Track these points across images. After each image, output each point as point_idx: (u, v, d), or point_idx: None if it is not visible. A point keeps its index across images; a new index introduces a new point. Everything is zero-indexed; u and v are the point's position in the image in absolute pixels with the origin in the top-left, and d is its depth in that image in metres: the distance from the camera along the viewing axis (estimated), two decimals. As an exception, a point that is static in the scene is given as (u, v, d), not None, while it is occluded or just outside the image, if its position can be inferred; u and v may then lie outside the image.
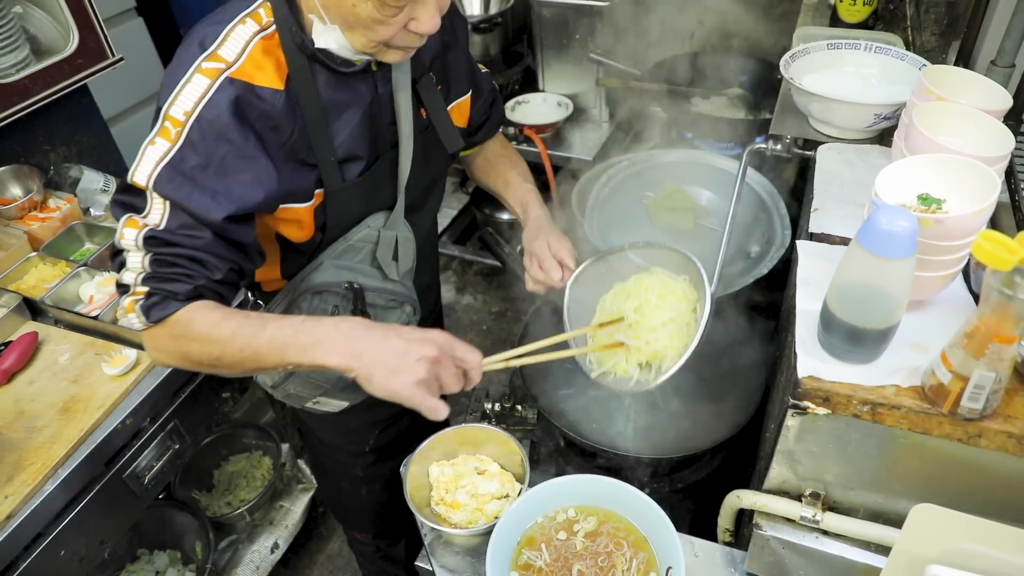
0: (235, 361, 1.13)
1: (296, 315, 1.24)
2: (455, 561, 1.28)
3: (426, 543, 1.31)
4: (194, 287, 1.13)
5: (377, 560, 2.23)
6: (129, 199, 1.14)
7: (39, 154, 2.22)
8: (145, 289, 1.13)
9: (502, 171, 1.67)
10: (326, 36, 1.12)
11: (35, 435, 1.56)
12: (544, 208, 1.57)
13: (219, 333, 1.12)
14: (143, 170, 1.10)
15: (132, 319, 1.15)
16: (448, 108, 1.45)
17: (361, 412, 1.63)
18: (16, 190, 2.12)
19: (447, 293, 3.51)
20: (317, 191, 1.26)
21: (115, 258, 1.17)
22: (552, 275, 1.43)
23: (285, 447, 2.51)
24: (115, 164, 2.46)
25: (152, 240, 1.12)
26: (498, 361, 1.21)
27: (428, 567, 1.31)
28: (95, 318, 1.77)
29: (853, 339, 0.98)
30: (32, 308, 1.86)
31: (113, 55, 2.20)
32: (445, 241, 3.55)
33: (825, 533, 1.12)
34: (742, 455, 1.60)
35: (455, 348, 1.12)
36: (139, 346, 1.73)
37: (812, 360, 1.01)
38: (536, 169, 2.50)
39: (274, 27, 1.15)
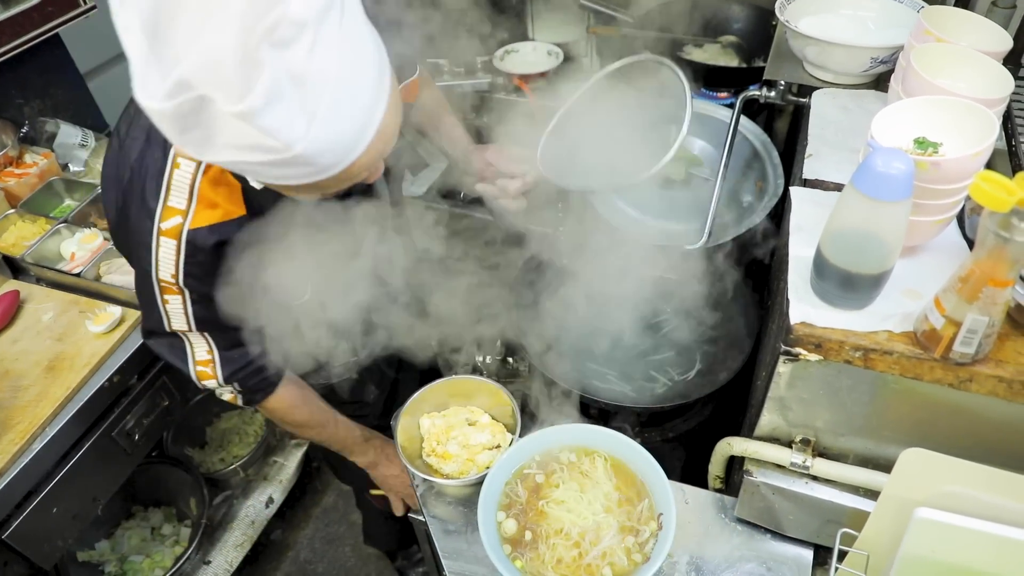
0: (315, 440, 1.59)
1: (356, 425, 1.60)
2: (447, 511, 1.29)
3: (418, 494, 1.31)
4: (272, 377, 1.36)
5: (383, 515, 2.24)
6: (169, 341, 1.26)
7: (12, 108, 2.16)
8: (240, 394, 1.36)
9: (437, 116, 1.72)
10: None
11: (21, 394, 1.55)
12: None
13: (314, 421, 1.50)
14: (179, 322, 1.20)
15: (234, 402, 1.39)
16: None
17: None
18: (-9, 145, 2.07)
19: (438, 247, 3.48)
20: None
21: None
22: (509, 188, 1.58)
23: (277, 403, 2.51)
24: (93, 118, 2.40)
25: (230, 377, 1.30)
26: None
27: (421, 518, 1.31)
28: (78, 275, 1.75)
29: (846, 285, 0.96)
30: (12, 266, 1.83)
31: (85, 3, 2.12)
32: (434, 195, 3.50)
33: (815, 479, 1.13)
34: (733, 404, 1.61)
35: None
36: (124, 303, 1.71)
37: (804, 306, 1.00)
38: (527, 119, 2.46)
39: None
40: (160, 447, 2.36)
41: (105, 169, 1.16)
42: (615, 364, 1.70)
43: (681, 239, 1.66)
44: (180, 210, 1.07)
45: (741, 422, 1.44)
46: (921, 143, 0.99)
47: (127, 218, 1.10)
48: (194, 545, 2.14)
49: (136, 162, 1.08)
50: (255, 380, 1.33)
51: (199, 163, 1.07)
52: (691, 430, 1.66)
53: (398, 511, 1.77)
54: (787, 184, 1.77)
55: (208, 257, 1.10)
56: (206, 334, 1.24)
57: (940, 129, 1.00)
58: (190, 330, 1.21)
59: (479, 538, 1.09)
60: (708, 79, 2.24)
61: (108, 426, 1.64)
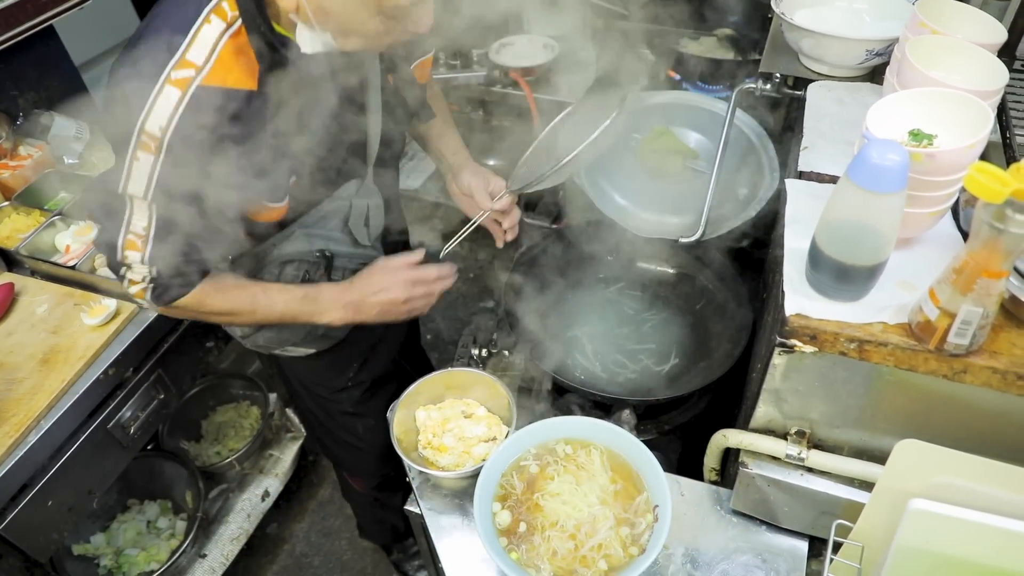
0: (253, 323, 1.45)
1: (292, 285, 1.39)
2: (443, 503, 1.29)
3: (414, 487, 1.31)
4: (195, 273, 1.25)
5: (374, 509, 2.25)
6: (110, 202, 1.16)
7: (6, 100, 2.15)
8: (150, 285, 1.22)
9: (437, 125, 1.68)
10: (314, 41, 1.07)
11: (15, 387, 1.54)
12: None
13: (240, 311, 1.33)
14: (137, 185, 1.12)
15: (141, 301, 1.26)
16: (411, 67, 1.43)
17: (333, 352, 1.65)
18: (-16, 137, 2.06)
19: (433, 241, 3.48)
20: (291, 180, 1.27)
21: (108, 255, 1.21)
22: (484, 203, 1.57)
23: (273, 396, 2.50)
24: (88, 110, 2.39)
25: (156, 259, 1.19)
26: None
27: (417, 510, 1.31)
28: (73, 268, 1.74)
29: (841, 276, 0.97)
30: (7, 259, 1.83)
31: (79, -6, 2.11)
32: (429, 188, 3.49)
33: (810, 470, 1.14)
34: (729, 396, 1.62)
35: (421, 278, 1.42)
36: (119, 296, 1.70)
37: (800, 298, 1.00)
38: (522, 113, 2.46)
39: (240, 22, 1.09)
40: (156, 440, 2.36)
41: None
42: (611, 357, 1.71)
43: (677, 232, 1.67)
44: (196, 64, 1.06)
45: (737, 414, 1.45)
46: (916, 135, 0.99)
47: (137, 58, 1.08)
48: (190, 538, 2.14)
49: (167, 8, 1.09)
50: (174, 274, 1.22)
51: (228, 25, 1.08)
52: (687, 422, 1.67)
53: (428, 276, 1.44)
54: (783, 177, 1.77)
55: (207, 119, 1.08)
56: (154, 207, 1.15)
57: (935, 121, 1.00)
58: (144, 198, 1.13)
59: (475, 530, 1.10)
60: (704, 72, 2.24)
61: (103, 419, 1.63)
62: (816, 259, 0.98)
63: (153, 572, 2.09)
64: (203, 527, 2.28)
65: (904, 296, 1.00)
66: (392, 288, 1.40)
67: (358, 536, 2.46)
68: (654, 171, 1.90)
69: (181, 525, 2.27)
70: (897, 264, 1.01)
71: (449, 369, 1.36)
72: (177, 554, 2.10)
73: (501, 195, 1.54)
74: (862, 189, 0.87)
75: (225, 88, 1.08)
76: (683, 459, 1.69)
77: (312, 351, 1.61)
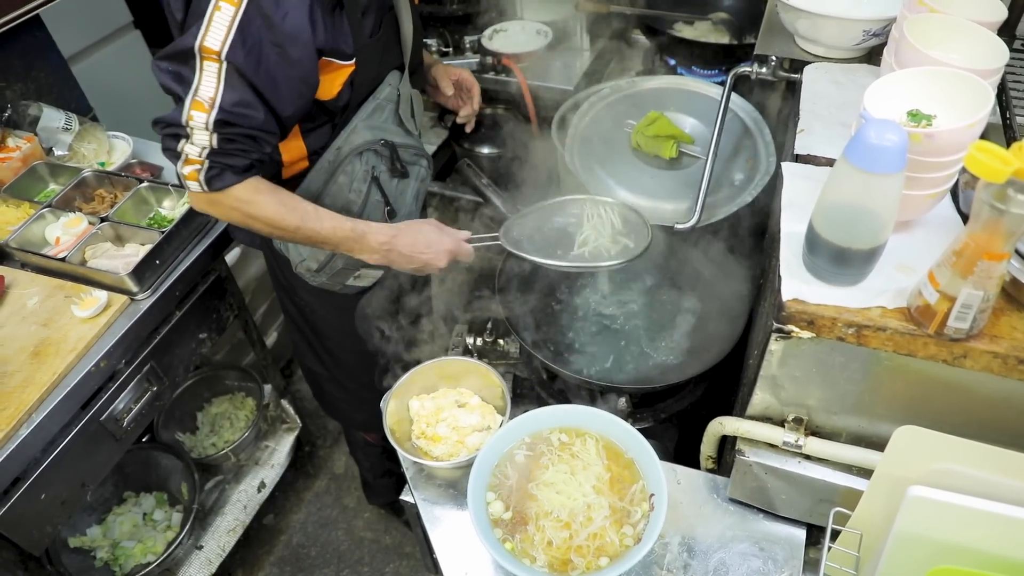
0: (293, 240, 1.42)
1: (343, 216, 1.40)
2: (437, 493, 1.28)
3: (408, 477, 1.30)
4: (250, 161, 1.25)
5: (384, 460, 2.27)
6: (177, 68, 1.17)
7: (-6, 91, 2.12)
8: (206, 162, 1.22)
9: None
10: None
11: (6, 380, 1.52)
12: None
13: (286, 223, 1.32)
14: (215, 36, 1.12)
15: (192, 185, 1.25)
16: None
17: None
18: (-29, 129, 2.03)
19: (429, 231, 3.46)
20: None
21: (169, 129, 1.22)
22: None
23: (268, 388, 2.49)
24: (76, 101, 2.36)
25: (220, 123, 1.18)
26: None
27: (411, 500, 1.30)
28: (63, 260, 1.72)
29: (839, 260, 0.95)
30: (-4, 251, 1.80)
31: (66, -16, 2.08)
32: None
33: (807, 458, 1.12)
34: (725, 384, 1.60)
35: (446, 242, 1.48)
36: (109, 287, 1.68)
37: (797, 283, 0.99)
38: (516, 100, 2.43)
39: None
40: (151, 432, 2.35)
41: None
42: (607, 344, 1.69)
43: (672, 218, 1.65)
44: None
45: (733, 402, 1.44)
46: (914, 115, 0.97)
47: None
48: (186, 530, 2.13)
49: None
50: (236, 149, 1.22)
51: None
52: (683, 410, 1.65)
53: (465, 254, 1.54)
54: (779, 161, 1.75)
55: None
56: (225, 68, 1.15)
57: (934, 101, 0.98)
58: (218, 55, 1.13)
59: (469, 520, 1.08)
60: (699, 56, 2.21)
61: (96, 411, 1.62)
62: (813, 243, 0.97)
63: (149, 564, 2.08)
64: (199, 519, 2.28)
65: (903, 280, 0.98)
66: (439, 254, 1.48)
67: (356, 526, 2.46)
68: (649, 157, 1.88)
69: (177, 517, 2.26)
70: (895, 248, 0.99)
71: (443, 358, 1.35)
72: (173, 546, 2.09)
73: (482, 243, 1.58)
74: (860, 170, 0.85)
75: None
76: (680, 447, 1.68)
77: (380, 274, 1.67)
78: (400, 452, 1.23)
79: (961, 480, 0.92)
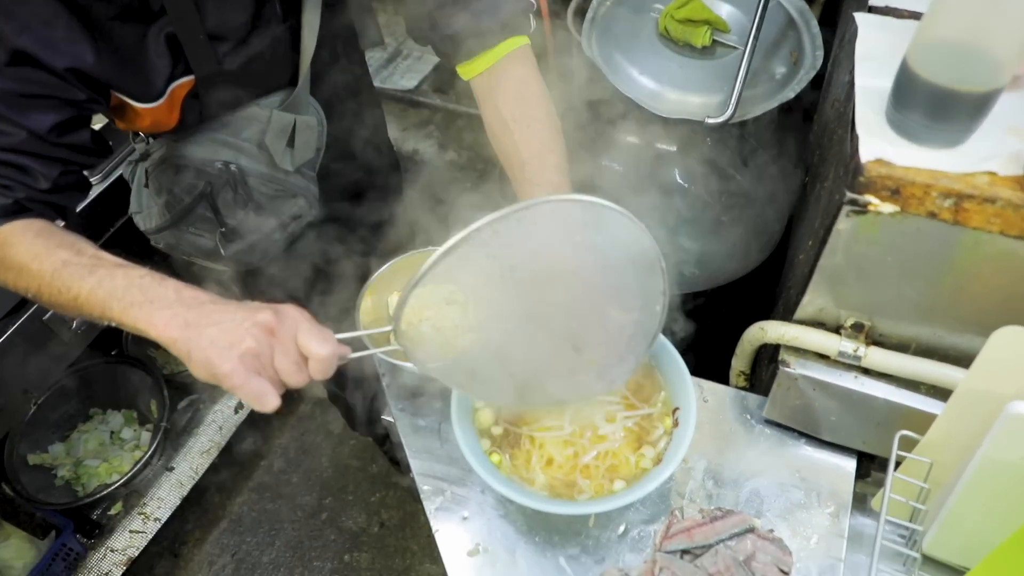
0: (54, 302, 0.89)
1: (137, 266, 0.88)
2: (417, 405, 1.09)
3: (383, 385, 1.10)
4: (14, 200, 0.91)
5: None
6: None
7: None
8: None
9: (517, 140, 1.10)
10: None
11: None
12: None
13: (38, 267, 0.88)
14: None
15: None
16: None
17: None
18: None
19: (428, 149, 3.23)
20: (181, 81, 1.03)
21: None
22: None
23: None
24: None
25: None
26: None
27: (390, 419, 1.11)
28: None
29: (939, 109, 0.73)
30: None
31: None
32: (426, 90, 3.24)
33: (866, 372, 0.93)
34: (753, 298, 1.40)
35: (301, 330, 0.79)
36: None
37: (879, 142, 0.77)
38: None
39: None
40: (120, 346, 2.17)
41: None
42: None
43: (702, 113, 1.43)
44: None
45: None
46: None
47: None
48: (153, 448, 1.97)
49: None
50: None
51: None
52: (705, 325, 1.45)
53: (259, 400, 0.77)
54: (827, 56, 1.52)
55: None
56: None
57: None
58: None
59: (453, 435, 0.89)
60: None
61: (37, 309, 1.43)
62: (906, 87, 0.75)
63: (114, 483, 1.92)
64: (170, 439, 2.12)
65: (1016, 144, 0.76)
66: (236, 328, 0.77)
67: (338, 452, 2.30)
68: (677, 44, 1.64)
69: (146, 436, 2.11)
70: (1007, 107, 0.77)
71: (430, 248, 1.14)
72: (139, 464, 1.93)
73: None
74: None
75: None
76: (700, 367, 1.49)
77: (230, 271, 1.39)
78: (376, 354, 1.04)
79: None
